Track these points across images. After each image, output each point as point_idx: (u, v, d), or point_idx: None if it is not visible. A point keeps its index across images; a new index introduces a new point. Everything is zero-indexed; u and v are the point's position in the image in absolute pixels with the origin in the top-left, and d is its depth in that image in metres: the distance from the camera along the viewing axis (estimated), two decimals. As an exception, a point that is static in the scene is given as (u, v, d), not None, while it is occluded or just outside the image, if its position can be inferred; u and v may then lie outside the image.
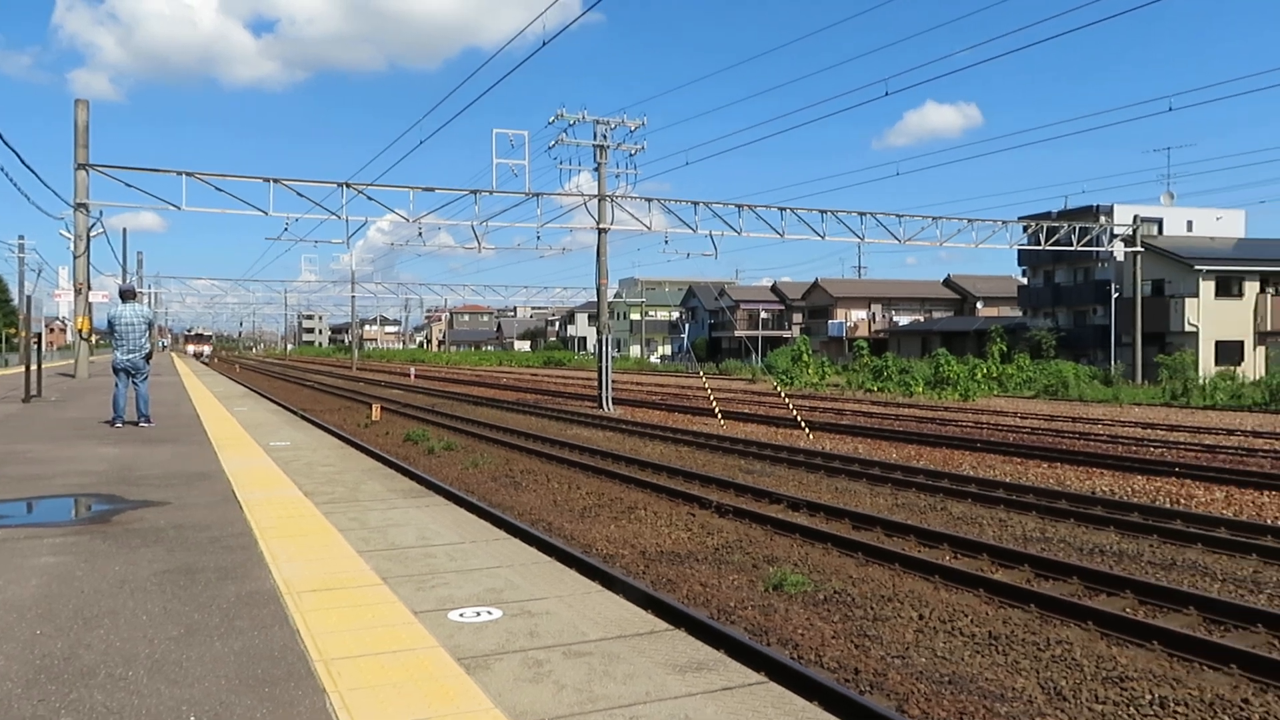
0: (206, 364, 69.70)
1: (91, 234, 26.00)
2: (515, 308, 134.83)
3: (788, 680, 5.14)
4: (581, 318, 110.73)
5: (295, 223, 28.02)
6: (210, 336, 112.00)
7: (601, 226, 29.64)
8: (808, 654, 6.63)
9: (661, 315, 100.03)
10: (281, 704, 3.06)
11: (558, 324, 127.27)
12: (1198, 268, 44.90)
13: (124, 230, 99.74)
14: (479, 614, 4.05)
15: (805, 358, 46.22)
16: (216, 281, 77.90)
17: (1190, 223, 51.97)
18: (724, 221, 30.85)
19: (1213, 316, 45.12)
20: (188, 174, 25.35)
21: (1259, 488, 13.56)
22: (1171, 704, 5.69)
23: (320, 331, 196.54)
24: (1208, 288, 45.29)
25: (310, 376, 57.38)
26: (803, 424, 22.14)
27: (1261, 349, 44.53)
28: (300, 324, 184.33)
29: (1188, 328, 44.86)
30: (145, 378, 12.78)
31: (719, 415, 24.87)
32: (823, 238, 32.10)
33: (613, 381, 30.69)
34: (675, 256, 66.48)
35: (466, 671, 3.36)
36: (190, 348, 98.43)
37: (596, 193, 29.73)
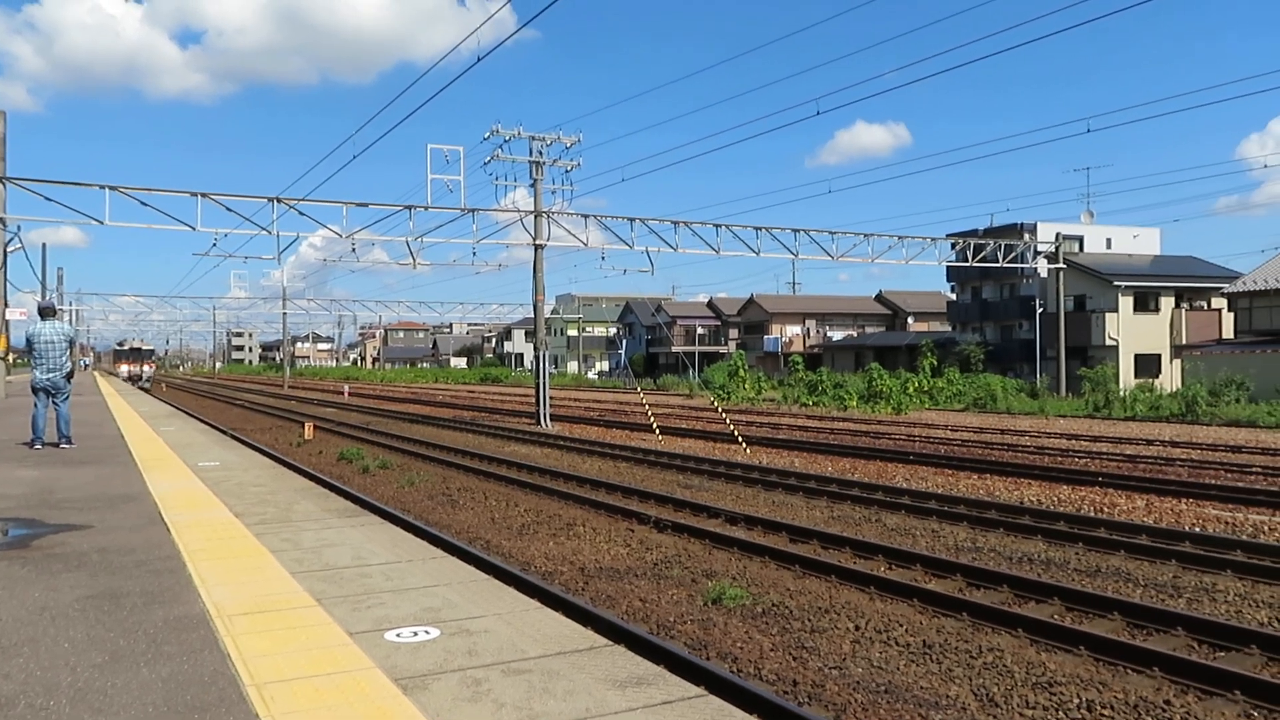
0: (146, 390, 51.12)
1: (9, 249, 25.13)
2: (451, 324, 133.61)
3: (727, 693, 5.17)
4: (518, 334, 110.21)
5: (224, 238, 27.43)
6: (152, 352, 72.75)
7: (538, 243, 29.59)
8: (747, 667, 6.67)
9: (599, 331, 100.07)
10: (212, 730, 2.99)
11: (494, 340, 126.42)
12: (1117, 284, 46.46)
13: (44, 245, 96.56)
14: (416, 634, 4.00)
15: (741, 373, 46.64)
16: (141, 298, 74.65)
17: (1109, 240, 53.76)
18: (660, 238, 31.05)
19: (1132, 330, 46.70)
20: (111, 188, 24.66)
21: (1177, 496, 14.05)
22: (1098, 707, 5.86)
23: (251, 349, 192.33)
24: (1127, 303, 46.89)
25: (240, 395, 56.09)
26: (740, 438, 22.31)
27: (1177, 362, 46.18)
28: (230, 342, 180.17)
29: (1108, 341, 46.36)
30: (66, 397, 12.37)
31: (657, 431, 24.94)
32: (758, 254, 32.47)
33: (550, 398, 30.58)
34: (612, 273, 66.71)
35: (404, 692, 3.32)
36: (123, 367, 65.09)
37: (533, 209, 29.70)
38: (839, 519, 12.64)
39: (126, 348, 66.99)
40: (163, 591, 4.71)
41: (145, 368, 64.50)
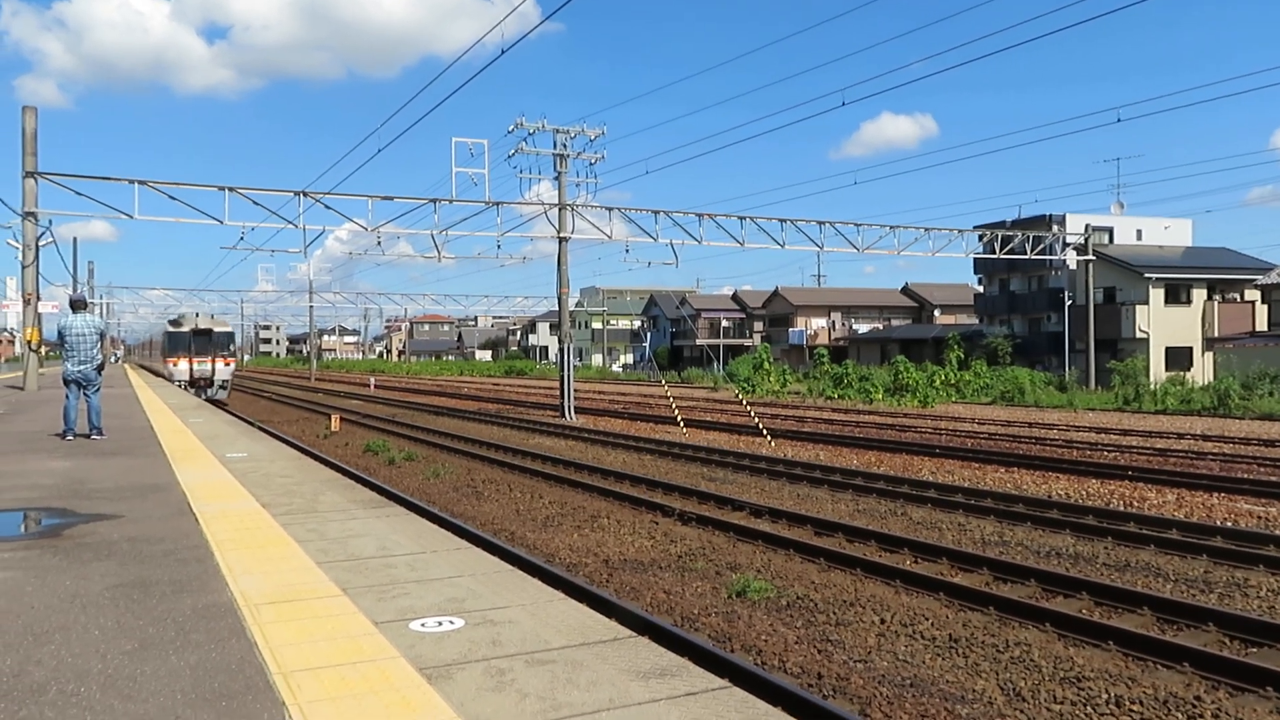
0: (221, 403, 32.08)
1: (41, 243, 25.47)
2: (476, 317, 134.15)
3: (751, 686, 5.15)
4: (543, 327, 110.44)
5: (251, 232, 27.67)
6: (231, 336, 40.67)
7: (562, 235, 29.61)
8: (771, 660, 6.66)
9: (623, 324, 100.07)
10: (240, 718, 3.01)
11: (519, 333, 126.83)
12: (1148, 275, 45.85)
13: (74, 239, 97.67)
14: (441, 624, 4.01)
15: (766, 365, 46.49)
16: (170, 292, 74.99)
17: (1140, 231, 53.08)
18: (684, 230, 30.99)
19: (1163, 323, 46.09)
20: (140, 182, 24.95)
21: (1209, 490, 13.86)
22: (1127, 703, 5.79)
23: (278, 342, 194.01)
24: (1157, 295, 46.27)
25: (267, 387, 56.62)
26: (764, 431, 22.24)
27: (1209, 354, 45.55)
28: (257, 334, 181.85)
29: (1139, 334, 45.78)
30: (97, 389, 12.51)
31: (681, 423, 24.91)
32: (782, 246, 32.35)
33: (575, 390, 30.63)
34: (636, 265, 66.85)
35: (428, 681, 3.32)
36: (179, 364, 37.11)
37: (557, 201, 29.71)
38: (864, 512, 12.58)
39: (186, 329, 37.29)
40: (191, 580, 4.76)
41: (219, 365, 37.01)
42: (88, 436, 12.15)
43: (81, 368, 12.27)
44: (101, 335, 12.72)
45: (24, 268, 25.14)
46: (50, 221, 27.67)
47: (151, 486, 8.03)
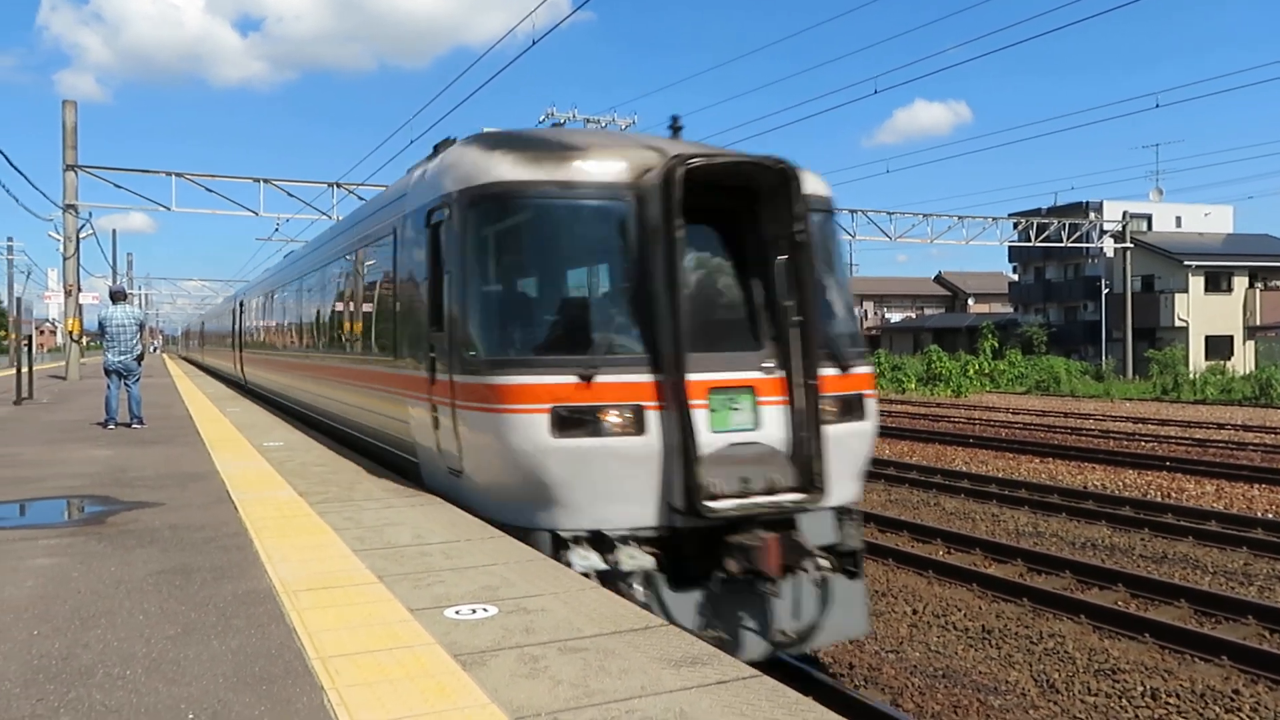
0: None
1: (81, 235, 25.90)
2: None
3: (781, 675, 5.17)
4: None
5: (286, 223, 27.95)
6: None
7: (593, 225, 29.59)
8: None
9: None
10: (280, 701, 3.07)
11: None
12: (1187, 263, 45.07)
13: (114, 231, 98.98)
14: (475, 611, 4.06)
15: (798, 355, 46.25)
16: (207, 282, 76.05)
17: (1179, 219, 52.17)
18: (716, 219, 30.86)
19: (1202, 311, 45.30)
20: (177, 174, 25.29)
21: (1249, 481, 13.65)
22: (1163, 695, 5.74)
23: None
24: (1197, 283, 45.48)
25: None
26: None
27: (1251, 343, 44.73)
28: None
29: (1178, 323, 45.04)
30: (137, 379, 12.73)
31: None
32: (814, 235, 32.14)
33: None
34: (667, 255, 66.51)
35: (463, 668, 3.37)
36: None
37: (588, 191, 29.69)
38: (897, 502, 12.52)
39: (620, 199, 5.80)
40: (231, 567, 4.85)
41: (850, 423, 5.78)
42: (128, 425, 12.36)
43: (122, 358, 12.48)
44: (141, 326, 12.95)
45: (65, 260, 25.61)
46: (90, 214, 28.15)
47: (191, 475, 8.17)
